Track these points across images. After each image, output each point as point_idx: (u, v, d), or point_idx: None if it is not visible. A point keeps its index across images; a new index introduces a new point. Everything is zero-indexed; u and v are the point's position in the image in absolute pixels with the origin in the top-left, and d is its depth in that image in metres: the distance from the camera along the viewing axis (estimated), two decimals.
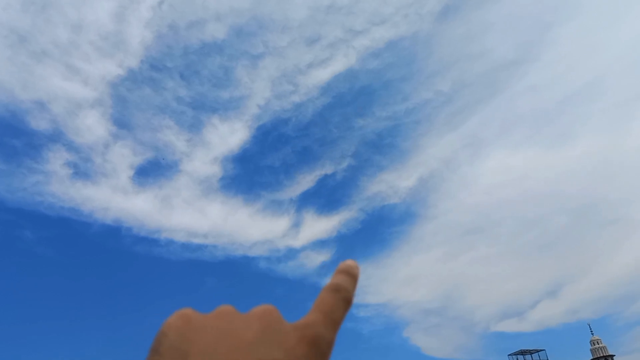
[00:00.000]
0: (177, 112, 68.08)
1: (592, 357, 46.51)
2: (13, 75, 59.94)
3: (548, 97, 78.66)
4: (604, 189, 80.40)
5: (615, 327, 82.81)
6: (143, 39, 64.25)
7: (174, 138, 67.88)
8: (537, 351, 45.07)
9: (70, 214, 67.90)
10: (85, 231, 72.31)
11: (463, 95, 77.68)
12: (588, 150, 78.54)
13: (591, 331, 47.93)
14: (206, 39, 67.28)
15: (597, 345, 46.78)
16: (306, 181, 77.09)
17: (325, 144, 78.44)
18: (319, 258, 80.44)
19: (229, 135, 71.70)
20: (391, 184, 79.81)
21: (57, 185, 64.13)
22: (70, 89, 62.33)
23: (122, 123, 66.29)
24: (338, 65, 74.23)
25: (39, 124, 61.55)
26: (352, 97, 77.40)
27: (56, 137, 63.19)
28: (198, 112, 69.50)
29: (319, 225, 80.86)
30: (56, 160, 63.17)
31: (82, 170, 65.01)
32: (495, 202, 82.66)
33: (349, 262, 0.42)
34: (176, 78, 68.85)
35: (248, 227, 76.74)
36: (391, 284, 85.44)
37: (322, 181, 78.41)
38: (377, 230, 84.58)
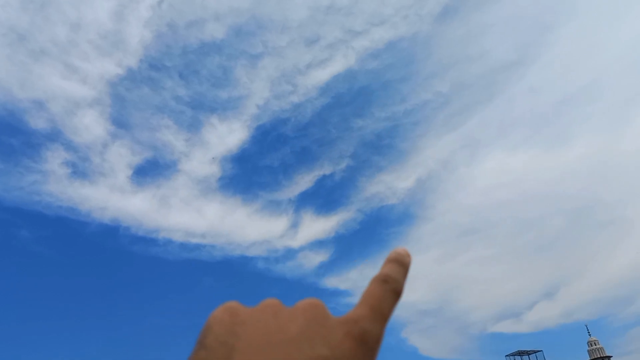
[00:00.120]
0: (176, 112, 68.06)
1: (589, 358, 46.59)
2: (11, 74, 59.91)
3: (546, 99, 79.04)
4: (601, 190, 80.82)
5: (612, 328, 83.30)
6: (142, 39, 64.27)
7: (172, 138, 67.85)
8: (535, 352, 45.12)
9: (68, 213, 67.92)
10: (83, 230, 72.33)
11: (462, 97, 77.97)
12: (586, 151, 78.95)
13: (588, 332, 48.00)
14: (205, 38, 67.31)
15: (594, 347, 46.85)
16: (305, 181, 77.12)
17: (324, 145, 78.51)
18: (317, 258, 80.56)
19: (228, 135, 71.75)
20: (389, 184, 79.92)
21: (55, 184, 64.05)
22: (69, 88, 62.28)
23: (120, 122, 66.29)
24: (337, 65, 74.26)
25: (37, 123, 61.51)
26: (351, 97, 77.43)
27: (54, 136, 63.19)
28: (197, 112, 69.48)
29: (317, 226, 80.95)
30: (54, 160, 63.08)
31: (80, 170, 64.98)
32: (493, 203, 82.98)
33: (400, 249, 0.39)
34: (175, 78, 68.80)
35: (246, 227, 76.72)
36: None
37: (321, 181, 78.46)
38: (375, 231, 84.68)
